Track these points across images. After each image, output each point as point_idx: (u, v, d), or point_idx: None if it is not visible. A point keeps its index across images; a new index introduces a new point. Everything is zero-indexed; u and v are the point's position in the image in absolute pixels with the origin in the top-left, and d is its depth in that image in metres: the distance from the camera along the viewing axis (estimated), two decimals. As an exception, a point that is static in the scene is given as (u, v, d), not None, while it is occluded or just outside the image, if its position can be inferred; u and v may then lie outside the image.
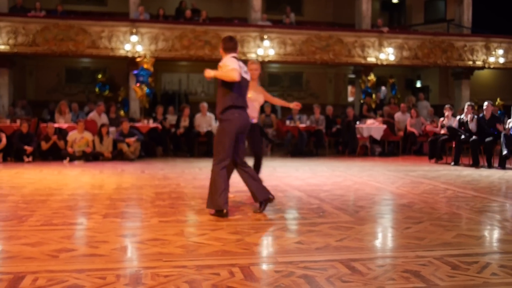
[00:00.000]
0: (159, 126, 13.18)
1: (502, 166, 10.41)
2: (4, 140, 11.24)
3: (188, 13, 16.13)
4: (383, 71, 18.12)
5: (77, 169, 9.95)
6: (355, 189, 7.44)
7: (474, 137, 10.81)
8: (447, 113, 11.82)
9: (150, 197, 6.56)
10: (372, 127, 13.59)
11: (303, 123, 13.89)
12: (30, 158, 11.31)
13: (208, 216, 5.33)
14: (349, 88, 20.48)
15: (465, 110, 11.37)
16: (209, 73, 5.36)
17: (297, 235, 4.57)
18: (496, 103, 16.67)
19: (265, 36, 15.57)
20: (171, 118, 13.95)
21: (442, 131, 11.73)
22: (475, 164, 10.72)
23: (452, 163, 11.07)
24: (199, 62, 16.20)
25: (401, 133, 14.26)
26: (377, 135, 13.58)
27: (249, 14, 16.79)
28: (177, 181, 8.07)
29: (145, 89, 13.56)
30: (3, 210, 5.63)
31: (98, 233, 4.53)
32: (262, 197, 5.45)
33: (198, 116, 13.42)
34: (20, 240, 4.26)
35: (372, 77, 16.17)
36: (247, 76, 5.59)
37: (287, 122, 13.87)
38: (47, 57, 15.97)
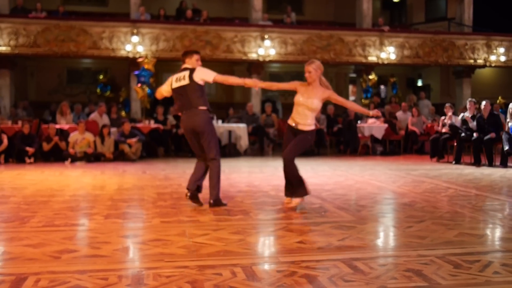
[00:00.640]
0: (161, 126, 13.18)
1: (503, 164, 10.39)
2: (5, 141, 11.25)
3: (189, 13, 16.13)
4: (384, 70, 18.11)
5: (79, 170, 9.95)
6: (356, 188, 7.44)
7: (474, 135, 10.79)
8: (448, 112, 11.81)
9: (151, 197, 6.56)
10: (374, 126, 13.59)
11: (304, 123, 13.86)
12: (32, 159, 11.31)
13: (210, 216, 5.34)
14: (350, 87, 20.47)
15: (468, 106, 11.31)
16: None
17: (299, 234, 4.57)
18: (498, 101, 16.65)
19: (266, 36, 15.56)
20: (172, 119, 13.95)
21: (444, 130, 11.71)
22: (477, 163, 10.71)
23: (454, 162, 11.07)
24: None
25: (403, 132, 14.25)
26: (379, 134, 13.58)
27: (250, 14, 16.79)
28: (178, 182, 8.07)
29: (146, 89, 13.56)
30: (5, 212, 5.64)
31: (100, 234, 4.53)
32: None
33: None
34: (22, 241, 4.27)
35: (373, 76, 16.17)
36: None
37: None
38: (48, 58, 15.99)
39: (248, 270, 3.47)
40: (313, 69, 5.68)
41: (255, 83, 6.00)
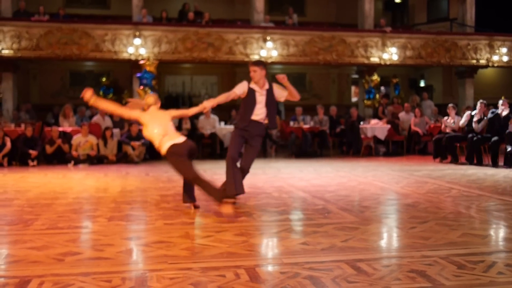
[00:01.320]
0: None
1: (507, 164, 10.37)
2: (8, 144, 11.27)
3: (191, 15, 16.14)
4: (387, 71, 18.10)
5: (82, 173, 9.97)
6: (359, 189, 7.43)
7: (471, 135, 10.80)
8: (451, 112, 11.80)
9: (154, 199, 6.57)
10: (376, 127, 13.58)
11: (307, 124, 13.89)
12: (35, 162, 11.33)
13: (213, 218, 5.34)
14: (353, 88, 20.46)
15: (478, 108, 11.20)
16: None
17: (302, 236, 4.57)
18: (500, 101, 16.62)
19: (268, 37, 15.57)
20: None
21: (447, 130, 11.69)
22: (479, 163, 10.70)
23: (468, 163, 10.95)
24: (202, 64, 16.25)
25: (406, 133, 14.24)
26: (381, 135, 13.56)
27: (251, 16, 16.80)
28: (181, 184, 8.05)
29: (149, 92, 13.57)
30: (8, 214, 5.65)
31: (103, 236, 4.54)
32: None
33: (202, 119, 13.42)
34: (25, 244, 4.27)
35: (376, 77, 16.15)
36: None
37: (291, 123, 13.86)
38: (51, 61, 16.02)
39: (252, 272, 3.47)
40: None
41: (203, 106, 5.88)
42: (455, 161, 11.19)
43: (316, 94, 19.64)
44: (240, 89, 6.04)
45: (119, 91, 17.19)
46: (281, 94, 6.19)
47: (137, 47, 14.80)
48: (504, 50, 17.29)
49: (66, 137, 12.14)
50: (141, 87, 13.68)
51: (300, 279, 3.31)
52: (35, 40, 14.57)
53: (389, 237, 4.69)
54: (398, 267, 3.58)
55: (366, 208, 5.87)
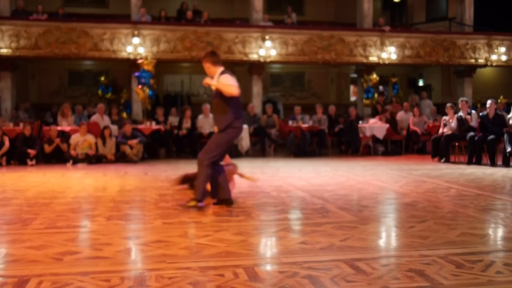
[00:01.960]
0: (162, 127, 13.19)
1: (506, 164, 10.38)
2: (7, 143, 11.25)
3: (189, 14, 16.14)
4: (385, 70, 18.11)
5: (80, 172, 9.96)
6: (358, 188, 7.43)
7: (471, 134, 10.82)
8: (449, 112, 11.80)
9: (153, 199, 6.57)
10: (375, 126, 13.58)
11: (305, 123, 13.89)
12: (34, 161, 11.32)
13: (212, 217, 5.34)
14: (351, 87, 20.47)
15: (460, 106, 11.43)
16: (209, 81, 5.87)
17: (301, 235, 4.57)
18: (499, 100, 16.63)
19: (267, 37, 15.57)
20: (174, 120, 13.96)
21: (445, 130, 11.69)
22: (477, 162, 10.71)
23: (467, 163, 10.94)
24: (201, 63, 16.18)
25: (404, 132, 14.25)
26: (380, 134, 13.57)
27: (250, 15, 16.79)
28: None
29: (147, 91, 13.56)
30: (7, 214, 5.64)
31: (102, 236, 4.54)
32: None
33: (200, 118, 13.42)
34: (24, 243, 4.27)
35: (375, 76, 16.16)
36: None
37: (290, 122, 13.86)
38: (50, 60, 16.01)
39: (250, 271, 3.47)
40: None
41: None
42: (447, 160, 11.21)
43: (315, 93, 19.65)
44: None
45: (118, 90, 17.18)
46: None
47: (136, 46, 14.80)
48: (502, 49, 17.31)
49: (65, 136, 12.13)
50: (139, 86, 13.66)
51: (298, 278, 3.32)
52: (33, 39, 14.56)
53: (387, 236, 4.69)
54: (396, 266, 3.59)
55: (365, 207, 5.88)
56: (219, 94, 5.82)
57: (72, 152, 11.45)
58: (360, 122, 13.94)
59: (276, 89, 19.24)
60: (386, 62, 16.49)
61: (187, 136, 13.32)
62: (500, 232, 4.81)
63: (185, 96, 18.67)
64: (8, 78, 15.11)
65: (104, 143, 11.80)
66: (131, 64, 14.94)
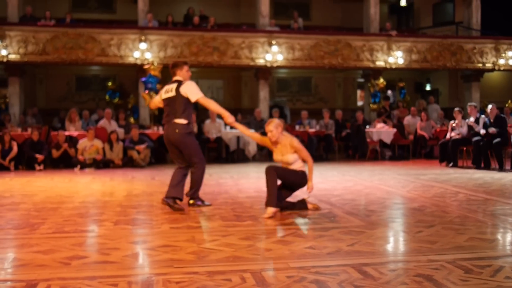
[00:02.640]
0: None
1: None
2: (15, 148, 11.32)
3: (196, 19, 16.19)
4: (392, 75, 18.08)
5: (88, 177, 9.99)
6: (365, 193, 7.41)
7: (477, 139, 10.76)
8: (457, 116, 11.75)
9: (160, 203, 6.57)
10: (382, 131, 13.55)
11: (312, 128, 13.88)
12: (41, 166, 11.37)
13: (219, 222, 5.34)
14: (358, 92, 20.44)
15: (468, 111, 11.34)
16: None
17: (308, 240, 4.56)
18: (507, 105, 16.57)
19: (274, 42, 15.59)
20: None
21: (453, 134, 11.65)
22: (486, 167, 10.65)
23: (474, 167, 10.90)
24: (208, 68, 16.25)
25: (411, 137, 14.20)
26: (387, 139, 13.54)
27: (257, 20, 16.82)
28: (186, 187, 8.06)
29: (154, 96, 13.57)
30: (15, 218, 5.67)
31: (109, 240, 4.54)
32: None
33: (207, 123, 13.44)
34: (32, 247, 4.29)
35: (382, 80, 16.13)
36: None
37: (297, 127, 13.85)
38: (57, 65, 16.08)
39: (258, 276, 3.46)
40: (274, 127, 5.81)
41: (231, 120, 6.01)
42: (454, 165, 11.16)
43: (322, 98, 19.63)
44: None
45: (125, 95, 17.25)
46: None
47: (143, 51, 14.85)
48: (510, 53, 17.23)
49: (72, 141, 12.18)
50: (146, 92, 13.68)
51: (306, 283, 3.31)
52: (41, 45, 14.64)
53: (395, 241, 4.67)
54: (404, 271, 3.57)
55: (372, 212, 5.86)
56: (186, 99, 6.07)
57: (80, 157, 11.49)
58: (367, 126, 13.91)
59: (283, 94, 19.23)
60: (393, 66, 16.46)
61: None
62: (509, 237, 4.78)
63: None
64: (16, 84, 15.20)
65: (111, 147, 11.84)
66: (138, 69, 14.99)
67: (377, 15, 17.06)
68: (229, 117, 6.00)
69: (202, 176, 6.25)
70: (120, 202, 6.69)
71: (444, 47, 16.81)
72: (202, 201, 6.35)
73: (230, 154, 13.31)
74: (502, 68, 17.40)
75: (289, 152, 5.84)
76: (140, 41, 14.90)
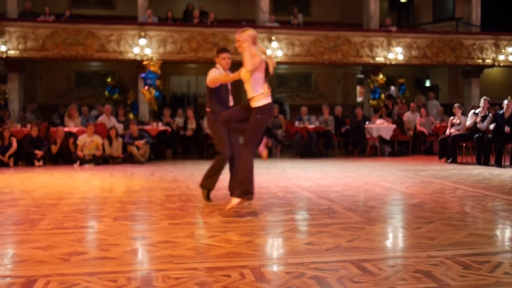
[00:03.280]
0: (168, 128, 13.22)
1: (513, 164, 10.33)
2: (14, 144, 11.31)
3: (196, 15, 16.17)
4: (392, 71, 18.07)
5: (87, 173, 9.99)
6: (365, 189, 7.42)
7: (478, 135, 10.76)
8: (457, 112, 11.76)
9: (160, 199, 6.58)
10: (382, 127, 13.55)
11: (312, 124, 13.87)
12: (41, 162, 11.37)
13: (218, 218, 5.34)
14: (358, 88, 20.44)
15: (481, 105, 11.13)
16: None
17: (308, 236, 4.56)
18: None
19: (273, 37, 15.57)
20: (180, 121, 13.98)
21: (452, 130, 11.65)
22: (485, 163, 10.66)
23: (476, 163, 10.89)
24: (207, 64, 16.17)
25: (411, 133, 14.20)
26: (387, 135, 13.53)
27: (256, 16, 16.80)
28: (186, 183, 8.09)
29: (154, 92, 13.59)
30: (14, 214, 5.67)
31: (108, 236, 4.55)
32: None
33: (207, 119, 13.42)
34: (31, 243, 4.29)
35: (381, 76, 16.12)
36: None
37: (296, 123, 13.85)
38: (57, 61, 16.07)
39: (257, 272, 3.47)
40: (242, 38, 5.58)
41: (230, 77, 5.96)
42: (454, 161, 11.16)
43: (321, 94, 19.63)
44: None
45: (125, 91, 17.25)
46: None
47: (142, 47, 14.83)
48: (510, 49, 17.23)
49: (72, 137, 12.17)
50: (146, 87, 13.70)
51: (305, 279, 3.31)
52: (40, 41, 14.62)
53: (394, 237, 4.68)
54: (403, 267, 3.57)
55: (372, 208, 5.86)
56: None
57: (79, 153, 11.49)
58: (367, 122, 13.91)
59: (282, 90, 19.22)
60: (393, 62, 16.46)
61: (193, 136, 13.34)
62: (507, 233, 4.79)
63: (191, 97, 18.70)
64: (16, 80, 15.19)
65: (110, 143, 11.83)
66: (138, 65, 14.99)
67: (377, 11, 17.04)
68: (226, 77, 6.00)
69: (221, 166, 6.18)
70: (119, 198, 6.69)
71: (444, 43, 16.79)
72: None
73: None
74: (502, 64, 17.39)
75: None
76: (140, 37, 14.88)
